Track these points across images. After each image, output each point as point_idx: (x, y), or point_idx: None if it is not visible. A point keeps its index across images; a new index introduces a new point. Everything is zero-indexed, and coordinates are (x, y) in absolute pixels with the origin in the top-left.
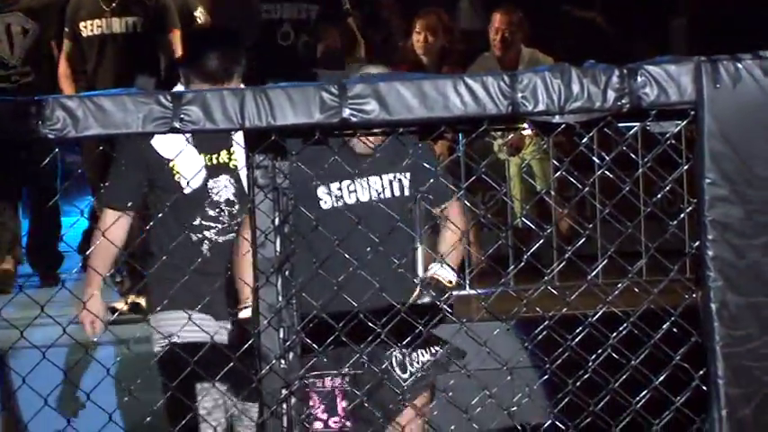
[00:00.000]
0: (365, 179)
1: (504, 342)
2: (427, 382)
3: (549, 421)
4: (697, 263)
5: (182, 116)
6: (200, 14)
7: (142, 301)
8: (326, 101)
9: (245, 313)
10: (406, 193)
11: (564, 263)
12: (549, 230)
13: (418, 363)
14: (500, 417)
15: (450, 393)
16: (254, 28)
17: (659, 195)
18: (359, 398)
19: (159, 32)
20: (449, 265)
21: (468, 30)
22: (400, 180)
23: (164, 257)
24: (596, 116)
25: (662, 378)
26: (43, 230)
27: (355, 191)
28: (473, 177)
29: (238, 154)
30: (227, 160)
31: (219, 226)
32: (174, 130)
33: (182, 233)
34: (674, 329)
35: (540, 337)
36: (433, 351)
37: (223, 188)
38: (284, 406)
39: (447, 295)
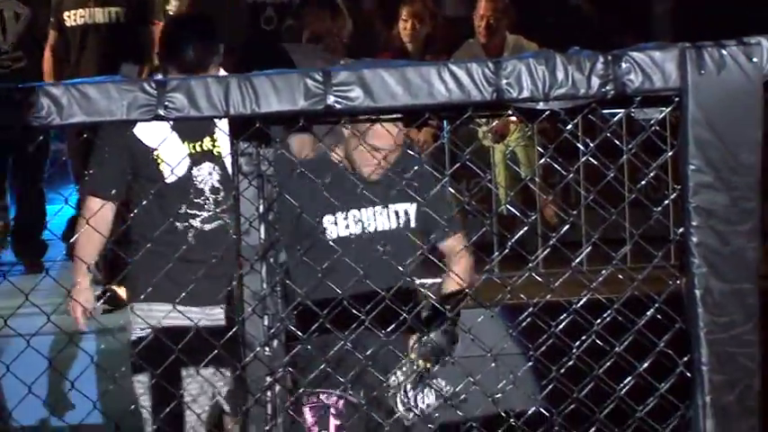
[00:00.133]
0: (371, 209)
1: (488, 329)
2: (432, 426)
3: (534, 408)
4: (681, 249)
5: (166, 103)
6: (172, 7)
7: (121, 292)
8: (311, 88)
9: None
10: (412, 224)
11: (548, 250)
12: (533, 217)
13: (423, 403)
14: (484, 404)
15: (436, 380)
16: (239, 13)
17: (644, 182)
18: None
19: (141, 24)
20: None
21: (452, 16)
22: (406, 211)
23: (148, 246)
24: (581, 103)
25: (646, 365)
26: (28, 219)
27: (361, 221)
28: (458, 164)
29: (222, 141)
30: (210, 147)
31: (205, 214)
32: (158, 118)
33: (167, 221)
34: (659, 316)
35: (525, 324)
36: (440, 393)
37: (207, 175)
38: (269, 393)
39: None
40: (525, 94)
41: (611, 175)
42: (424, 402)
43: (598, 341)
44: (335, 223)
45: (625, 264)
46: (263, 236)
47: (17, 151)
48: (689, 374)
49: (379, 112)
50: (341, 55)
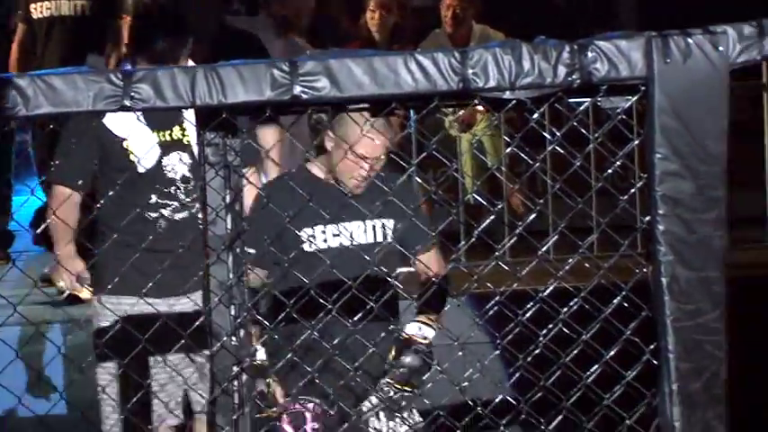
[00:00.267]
0: (349, 223)
1: (455, 318)
2: None
3: (501, 396)
4: (648, 238)
5: (132, 94)
6: None
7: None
8: (277, 78)
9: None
10: (389, 239)
11: (515, 239)
12: (500, 206)
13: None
14: (451, 392)
15: (402, 370)
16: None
17: (610, 171)
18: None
19: (108, 17)
20: (425, 323)
21: (419, 6)
22: (384, 225)
23: (118, 237)
24: (547, 92)
25: (613, 353)
26: None
27: (339, 234)
28: (424, 154)
29: (191, 130)
30: (180, 136)
31: (175, 203)
32: (124, 109)
33: (139, 213)
34: (625, 304)
35: (491, 312)
36: (412, 422)
37: (178, 165)
38: (235, 383)
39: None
40: (491, 83)
41: (578, 163)
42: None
43: (565, 329)
44: (314, 237)
45: (592, 252)
46: (229, 226)
47: None
48: (655, 362)
49: (346, 102)
50: (301, 33)
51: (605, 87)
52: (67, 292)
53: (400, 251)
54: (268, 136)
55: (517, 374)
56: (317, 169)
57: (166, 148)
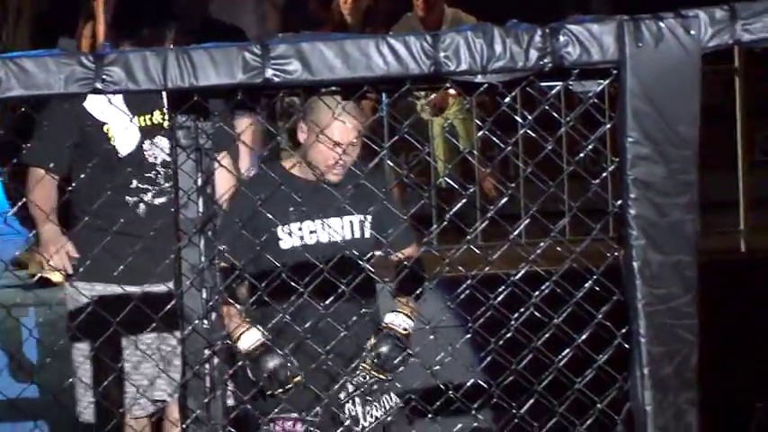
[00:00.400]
0: (326, 220)
1: (426, 301)
2: None
3: (472, 380)
4: (619, 222)
5: (104, 77)
6: None
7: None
8: (249, 61)
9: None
10: (367, 235)
11: (487, 222)
12: (471, 190)
13: (372, 416)
14: (423, 376)
15: (380, 357)
16: None
17: (582, 154)
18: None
19: None
20: (404, 314)
21: None
22: (361, 222)
23: (95, 221)
24: (519, 76)
25: (584, 337)
26: None
27: (315, 231)
28: (396, 137)
29: None
30: (160, 121)
31: (156, 188)
32: (96, 91)
33: (117, 196)
34: (597, 288)
35: (463, 296)
36: (388, 406)
37: (158, 149)
38: (207, 367)
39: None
40: (463, 67)
41: (550, 147)
42: (372, 415)
43: (536, 313)
44: (291, 234)
45: (563, 236)
46: (201, 209)
47: None
48: (627, 346)
49: (318, 86)
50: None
51: (577, 71)
52: (39, 275)
53: (378, 246)
54: (243, 125)
55: (489, 358)
56: (292, 165)
57: (147, 132)
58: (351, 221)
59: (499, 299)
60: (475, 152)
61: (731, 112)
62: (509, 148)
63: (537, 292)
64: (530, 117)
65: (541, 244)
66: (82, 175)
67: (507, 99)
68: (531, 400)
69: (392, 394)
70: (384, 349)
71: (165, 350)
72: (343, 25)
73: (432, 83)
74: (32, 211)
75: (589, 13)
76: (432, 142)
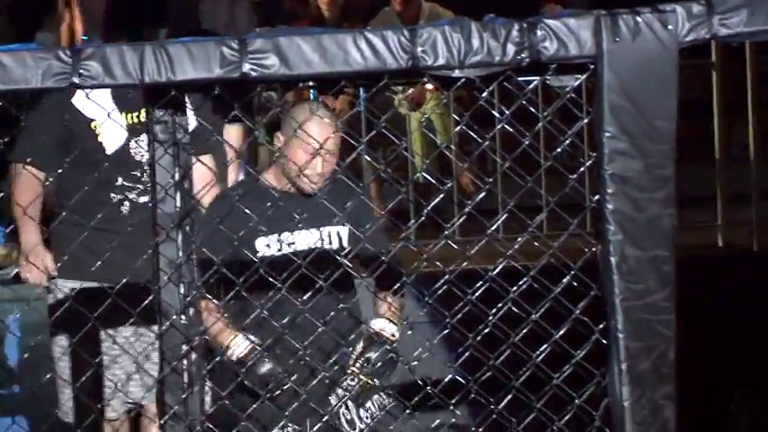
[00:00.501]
0: (304, 231)
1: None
2: None
3: (450, 376)
4: (597, 217)
5: (81, 71)
6: None
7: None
8: (226, 56)
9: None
10: (344, 245)
11: (464, 218)
12: (449, 185)
13: (367, 417)
14: (401, 371)
15: (351, 348)
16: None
17: (559, 149)
18: None
19: None
20: (390, 320)
21: None
22: (338, 232)
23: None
24: (496, 70)
25: (562, 332)
26: None
27: (294, 242)
28: (373, 132)
29: None
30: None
31: (141, 186)
32: (73, 86)
33: (101, 194)
34: (575, 283)
35: (441, 291)
36: (381, 403)
37: (145, 148)
38: (185, 362)
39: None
40: (441, 61)
41: (527, 142)
42: (366, 415)
43: (514, 309)
44: (269, 246)
45: (541, 231)
46: (178, 204)
47: None
48: (605, 342)
49: (296, 80)
50: None
51: (554, 66)
52: (16, 270)
53: (354, 257)
54: (232, 133)
55: (466, 354)
56: (270, 177)
57: (135, 130)
58: (329, 232)
59: (477, 294)
60: (452, 147)
61: (708, 106)
62: (486, 142)
63: (514, 288)
64: (507, 112)
65: (519, 239)
66: (77, 173)
67: (485, 94)
68: (509, 396)
69: (381, 393)
70: (373, 355)
71: (144, 345)
72: (321, 20)
73: (409, 77)
74: (15, 213)
75: (567, 8)
76: (409, 137)
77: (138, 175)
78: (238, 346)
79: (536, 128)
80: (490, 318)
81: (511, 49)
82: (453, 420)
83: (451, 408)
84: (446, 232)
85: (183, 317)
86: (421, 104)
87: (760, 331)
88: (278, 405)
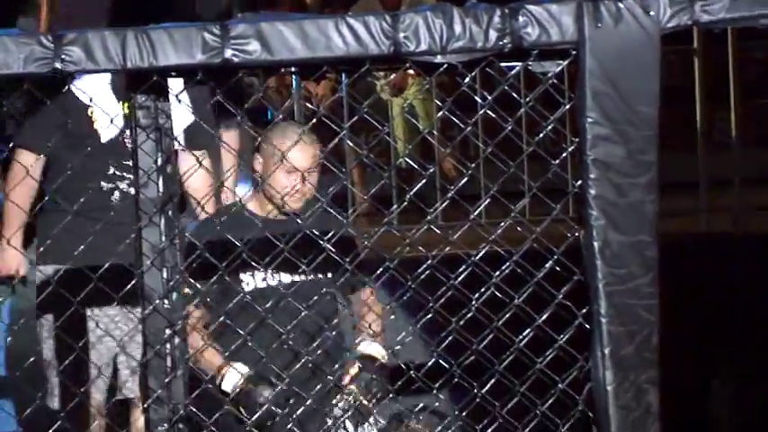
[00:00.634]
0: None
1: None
2: None
3: (433, 360)
4: (579, 202)
5: (63, 57)
6: None
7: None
8: (208, 41)
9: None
10: (329, 274)
11: (447, 203)
12: (431, 170)
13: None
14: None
15: (335, 333)
16: None
17: (542, 135)
18: None
19: None
20: (376, 342)
21: None
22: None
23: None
24: (478, 56)
25: (545, 317)
26: None
27: (278, 273)
28: (355, 117)
29: None
30: None
31: (132, 176)
32: (55, 71)
33: (93, 182)
34: (558, 268)
35: (424, 276)
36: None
37: None
38: (168, 346)
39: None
40: (423, 47)
41: (509, 128)
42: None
43: (497, 293)
44: (252, 276)
45: (524, 217)
46: (161, 189)
47: None
48: (588, 326)
49: (278, 66)
50: None
51: (536, 52)
52: None
53: (339, 285)
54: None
55: (449, 338)
56: (254, 205)
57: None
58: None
59: (459, 279)
60: (435, 132)
61: (691, 93)
62: (469, 128)
63: (497, 273)
64: (489, 97)
65: (502, 224)
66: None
67: (467, 79)
68: (492, 380)
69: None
70: (368, 376)
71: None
72: (303, 5)
73: (391, 63)
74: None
75: None
76: (391, 122)
77: (130, 164)
78: (232, 377)
79: (518, 113)
80: (473, 302)
81: (493, 34)
82: (437, 404)
83: (434, 392)
84: (429, 217)
85: (165, 301)
86: (403, 90)
87: (742, 316)
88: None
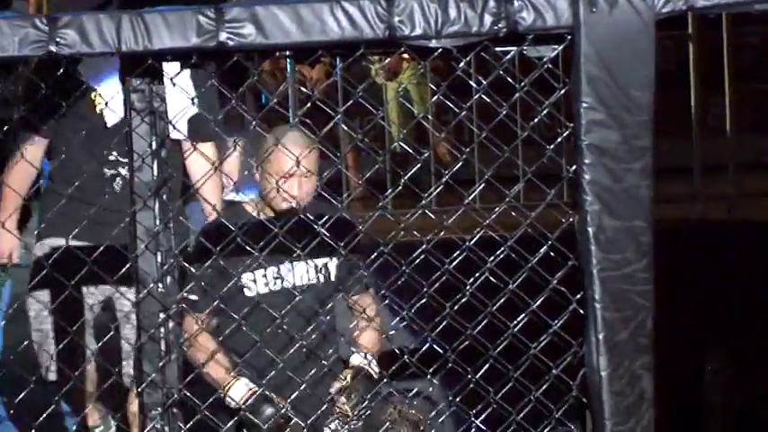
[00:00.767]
0: (291, 264)
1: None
2: None
3: (427, 345)
4: (574, 187)
5: (57, 39)
6: None
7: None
8: (203, 24)
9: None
10: (332, 278)
11: (441, 187)
12: (426, 155)
13: None
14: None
15: (329, 317)
16: None
17: (537, 120)
18: None
19: None
20: (369, 354)
21: None
22: (326, 265)
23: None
24: (473, 40)
25: (539, 302)
26: None
27: (281, 277)
28: (350, 101)
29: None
30: None
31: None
32: (50, 54)
33: (95, 167)
34: (552, 253)
35: (418, 261)
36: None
37: None
38: (162, 330)
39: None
40: (418, 31)
41: (504, 112)
42: None
43: (491, 278)
44: (255, 281)
45: (518, 201)
46: (155, 172)
47: None
48: (582, 312)
49: (273, 50)
50: None
51: (531, 36)
52: None
53: (340, 289)
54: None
55: (444, 323)
56: (250, 208)
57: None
58: (316, 265)
59: (454, 264)
60: (429, 117)
61: (685, 78)
62: (463, 113)
63: (492, 258)
64: (484, 82)
65: (496, 209)
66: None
67: (461, 64)
68: (486, 366)
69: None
70: (361, 389)
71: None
72: None
73: (386, 47)
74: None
75: None
76: (386, 107)
77: None
78: (238, 390)
79: (513, 98)
80: (467, 287)
81: (488, 19)
82: (431, 390)
83: (429, 377)
84: (423, 202)
85: (160, 285)
86: (398, 74)
87: (736, 302)
88: None
